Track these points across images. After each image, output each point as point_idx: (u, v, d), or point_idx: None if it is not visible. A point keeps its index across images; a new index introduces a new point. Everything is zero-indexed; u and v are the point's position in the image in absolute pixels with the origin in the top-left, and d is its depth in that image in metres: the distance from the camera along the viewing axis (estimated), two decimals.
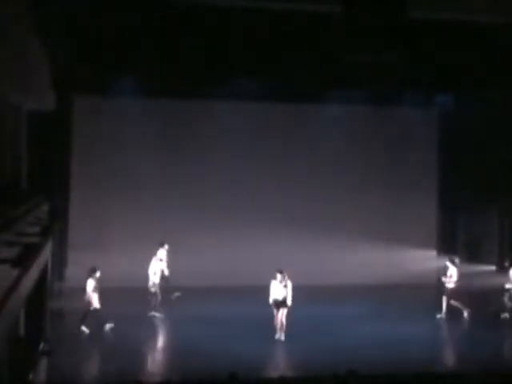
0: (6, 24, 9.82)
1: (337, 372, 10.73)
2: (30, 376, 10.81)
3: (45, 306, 13.17)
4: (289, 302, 16.34)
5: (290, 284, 16.42)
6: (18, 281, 7.44)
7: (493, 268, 22.80)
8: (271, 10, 15.77)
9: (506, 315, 18.72)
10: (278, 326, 16.40)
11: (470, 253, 23.11)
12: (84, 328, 16.53)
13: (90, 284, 16.67)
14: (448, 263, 18.97)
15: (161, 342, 16.54)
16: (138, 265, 18.53)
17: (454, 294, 18.62)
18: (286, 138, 22.32)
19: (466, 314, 18.68)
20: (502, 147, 21.98)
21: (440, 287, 19.29)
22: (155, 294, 18.25)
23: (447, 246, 23.55)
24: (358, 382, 9.87)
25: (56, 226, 14.79)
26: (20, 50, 11.32)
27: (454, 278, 18.59)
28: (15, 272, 7.52)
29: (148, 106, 21.17)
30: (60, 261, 19.26)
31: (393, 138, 22.83)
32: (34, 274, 9.32)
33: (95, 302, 16.56)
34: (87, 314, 16.61)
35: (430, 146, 23.63)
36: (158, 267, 18.51)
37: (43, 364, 12.45)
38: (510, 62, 18.46)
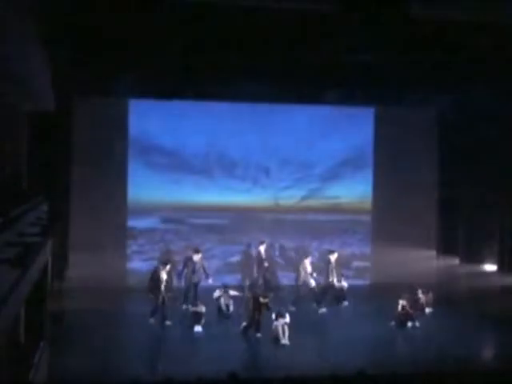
0: (5, 24, 9.82)
1: (339, 372, 10.69)
2: (30, 376, 10.80)
3: (45, 306, 13.16)
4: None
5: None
6: (18, 281, 7.44)
7: (493, 268, 22.77)
8: (271, 9, 15.72)
9: (323, 310, 18.80)
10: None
11: (470, 253, 23.09)
12: None
13: None
14: None
15: (160, 341, 16.49)
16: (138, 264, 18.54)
17: None
18: (286, 137, 22.29)
19: None
20: (501, 147, 21.96)
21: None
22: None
23: (447, 246, 23.53)
24: (364, 382, 9.81)
25: (56, 226, 14.78)
26: (20, 50, 11.31)
27: None
28: (15, 272, 7.53)
29: (147, 106, 21.16)
30: (60, 261, 19.22)
31: (392, 138, 22.81)
32: (33, 274, 9.32)
33: None
34: None
35: (429, 146, 23.60)
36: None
37: (43, 364, 12.44)
38: (510, 62, 18.43)
